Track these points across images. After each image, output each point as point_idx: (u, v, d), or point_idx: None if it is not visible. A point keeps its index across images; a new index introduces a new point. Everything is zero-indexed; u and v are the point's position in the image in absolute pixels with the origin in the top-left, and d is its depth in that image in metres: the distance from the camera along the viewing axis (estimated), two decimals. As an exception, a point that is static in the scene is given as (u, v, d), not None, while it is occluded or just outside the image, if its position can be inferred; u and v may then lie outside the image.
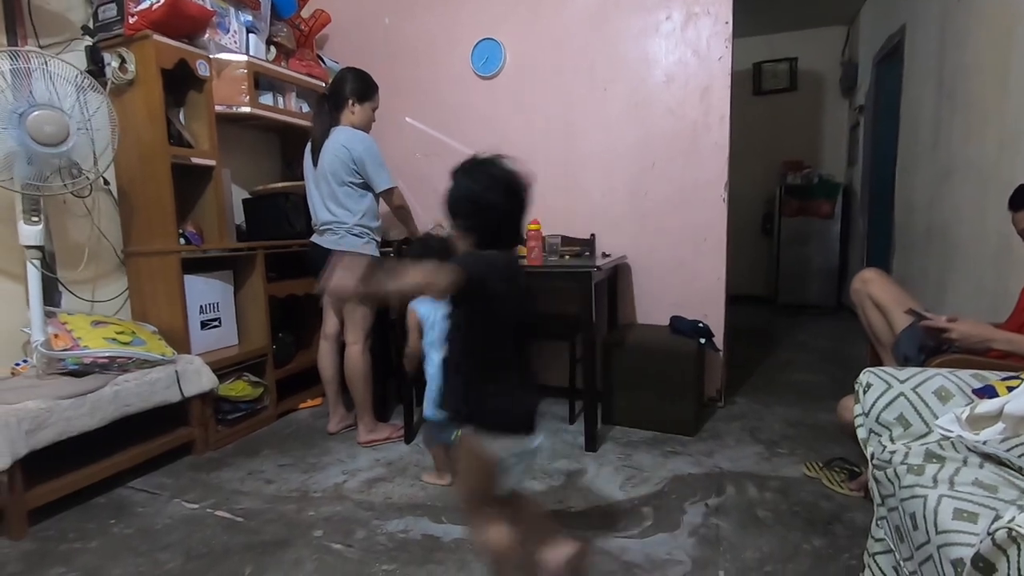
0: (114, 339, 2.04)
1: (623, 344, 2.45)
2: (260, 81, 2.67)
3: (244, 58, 2.52)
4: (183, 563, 1.57)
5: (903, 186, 3.64)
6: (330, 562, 1.55)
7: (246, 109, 2.54)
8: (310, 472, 2.13)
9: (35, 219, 1.95)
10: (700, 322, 2.54)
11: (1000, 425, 1.09)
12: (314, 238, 2.36)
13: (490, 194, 1.07)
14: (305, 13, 3.05)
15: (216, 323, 2.52)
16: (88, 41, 2.33)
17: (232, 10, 2.55)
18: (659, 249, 2.74)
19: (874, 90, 4.34)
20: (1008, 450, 1.06)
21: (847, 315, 4.57)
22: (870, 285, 1.94)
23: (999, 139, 2.30)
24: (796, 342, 4.02)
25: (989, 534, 0.74)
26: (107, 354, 1.99)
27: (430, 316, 1.85)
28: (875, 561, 1.23)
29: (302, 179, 2.42)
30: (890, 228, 3.85)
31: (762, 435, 2.36)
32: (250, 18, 2.64)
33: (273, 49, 2.83)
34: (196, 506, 1.89)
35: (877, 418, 1.27)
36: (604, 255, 2.70)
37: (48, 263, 2.14)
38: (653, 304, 2.78)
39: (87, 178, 2.07)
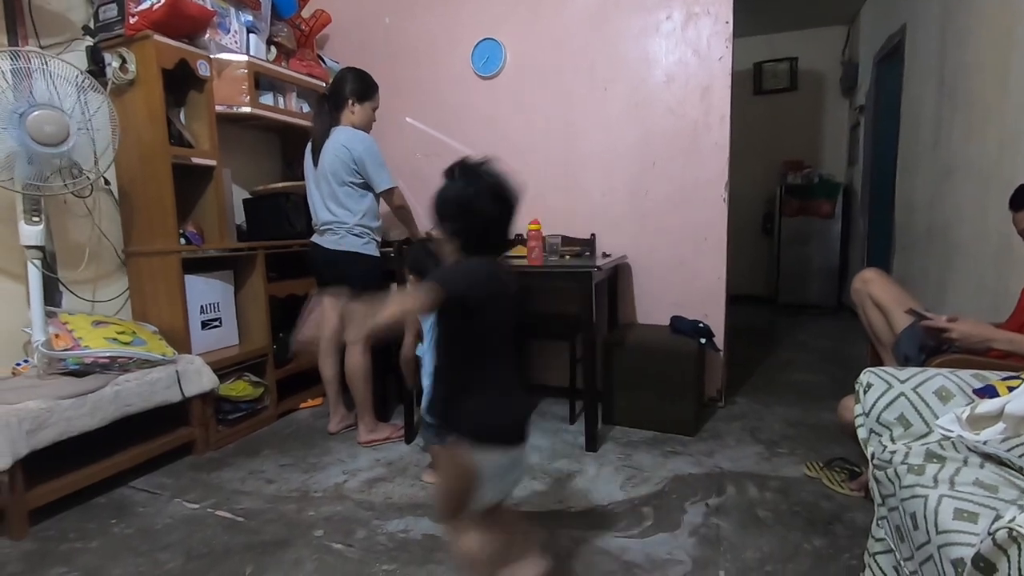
0: (115, 339, 2.04)
1: (623, 344, 2.45)
2: (260, 81, 2.67)
3: (244, 58, 2.52)
4: (184, 563, 1.57)
5: (903, 186, 3.64)
6: (330, 562, 1.55)
7: (246, 109, 2.54)
8: (310, 472, 2.13)
9: (36, 219, 1.95)
10: (700, 322, 2.55)
11: (1001, 425, 1.09)
12: (314, 238, 2.36)
13: (477, 199, 1.05)
14: (305, 13, 3.05)
15: (217, 323, 2.52)
16: (89, 41, 2.34)
17: (232, 10, 2.55)
18: (659, 249, 2.74)
19: (874, 90, 4.34)
20: (1009, 450, 1.06)
21: (847, 315, 4.57)
22: (870, 285, 1.94)
23: (1000, 139, 2.30)
24: (796, 342, 4.02)
25: (990, 534, 0.74)
26: (108, 354, 1.99)
27: (429, 318, 1.85)
28: (875, 561, 1.23)
29: (302, 179, 2.42)
30: (890, 228, 3.85)
31: (762, 435, 2.36)
32: (251, 18, 2.65)
33: (273, 49, 2.83)
34: (197, 506, 1.89)
35: (878, 418, 1.27)
36: (604, 255, 2.70)
37: (49, 263, 2.14)
38: (653, 304, 2.78)
39: (88, 178, 2.08)
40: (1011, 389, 1.15)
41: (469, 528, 1.13)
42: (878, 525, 1.23)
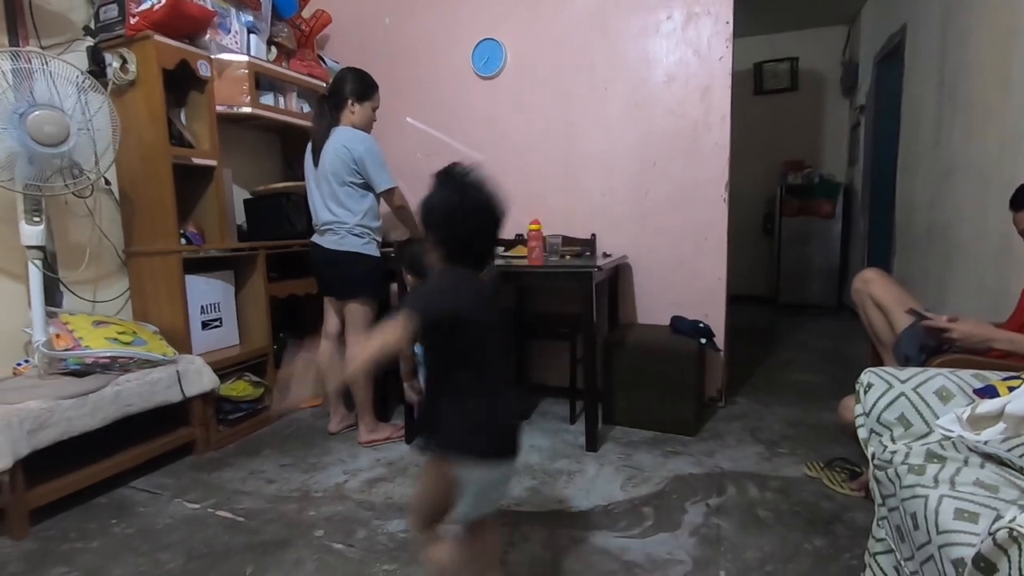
0: (115, 339, 2.04)
1: (624, 344, 2.45)
2: (261, 81, 2.67)
3: (245, 58, 2.52)
4: (184, 563, 1.57)
5: (904, 186, 3.64)
6: (331, 562, 1.56)
7: (247, 109, 2.54)
8: (311, 472, 2.13)
9: (36, 219, 1.95)
10: (701, 322, 2.55)
11: (1001, 425, 1.09)
12: (315, 238, 2.36)
13: (461, 210, 1.03)
14: (306, 13, 3.05)
15: (217, 323, 2.52)
16: (89, 41, 2.34)
17: (233, 10, 2.55)
18: (660, 249, 2.74)
19: (875, 90, 4.34)
20: (1009, 450, 1.06)
21: (848, 315, 4.57)
22: (871, 285, 1.94)
23: (1000, 139, 2.30)
24: (797, 342, 4.01)
25: (990, 534, 0.74)
26: (108, 354, 1.99)
27: None
28: (876, 561, 1.23)
29: (303, 179, 2.42)
30: (891, 228, 3.85)
31: (763, 435, 2.36)
32: (251, 18, 2.65)
33: (274, 49, 2.83)
34: (197, 506, 1.89)
35: (878, 418, 1.27)
36: (605, 255, 2.70)
37: (49, 263, 2.14)
38: (654, 304, 2.78)
39: (88, 178, 2.08)
40: (1011, 389, 1.15)
41: (443, 539, 1.11)
42: (879, 525, 1.23)
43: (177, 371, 2.15)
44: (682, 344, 2.42)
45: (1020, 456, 1.04)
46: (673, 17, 2.60)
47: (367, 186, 2.28)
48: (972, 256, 2.56)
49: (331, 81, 2.41)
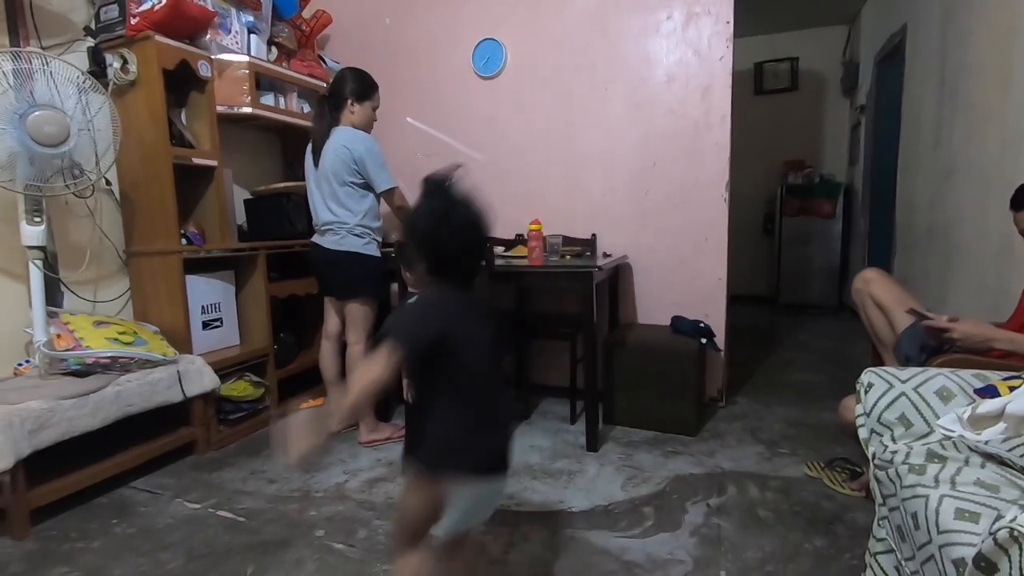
0: (116, 339, 2.05)
1: (624, 344, 2.45)
2: (261, 81, 2.67)
3: (245, 59, 2.52)
4: (185, 563, 1.57)
5: (904, 186, 3.64)
6: (331, 562, 1.56)
7: (247, 109, 2.54)
8: (312, 472, 2.13)
9: (37, 219, 1.95)
10: (701, 322, 2.55)
11: (1002, 425, 1.09)
12: (315, 238, 2.36)
13: (446, 227, 1.01)
14: (306, 14, 3.06)
15: (218, 323, 2.52)
16: (90, 42, 2.34)
17: (233, 11, 2.55)
18: (660, 249, 2.74)
19: (875, 90, 4.34)
20: (1010, 450, 1.06)
21: (848, 315, 4.56)
22: (871, 285, 1.94)
23: (1001, 138, 2.30)
24: (797, 342, 4.01)
25: (991, 534, 0.74)
26: (109, 354, 1.99)
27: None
28: (877, 561, 1.23)
29: (303, 179, 2.42)
30: (891, 228, 3.85)
31: (763, 435, 2.36)
32: (251, 19, 2.65)
33: (274, 50, 2.83)
34: (198, 506, 1.89)
35: (879, 418, 1.27)
36: (605, 255, 2.70)
37: (50, 263, 2.14)
38: (654, 304, 2.79)
39: (89, 179, 2.08)
40: (1012, 389, 1.15)
41: (419, 554, 1.09)
42: (879, 525, 1.23)
43: (178, 371, 2.15)
44: (682, 344, 2.42)
45: (1021, 456, 1.04)
46: (673, 17, 2.60)
47: (367, 186, 2.28)
48: (973, 256, 2.56)
49: (331, 81, 2.41)
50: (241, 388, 2.49)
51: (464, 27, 2.95)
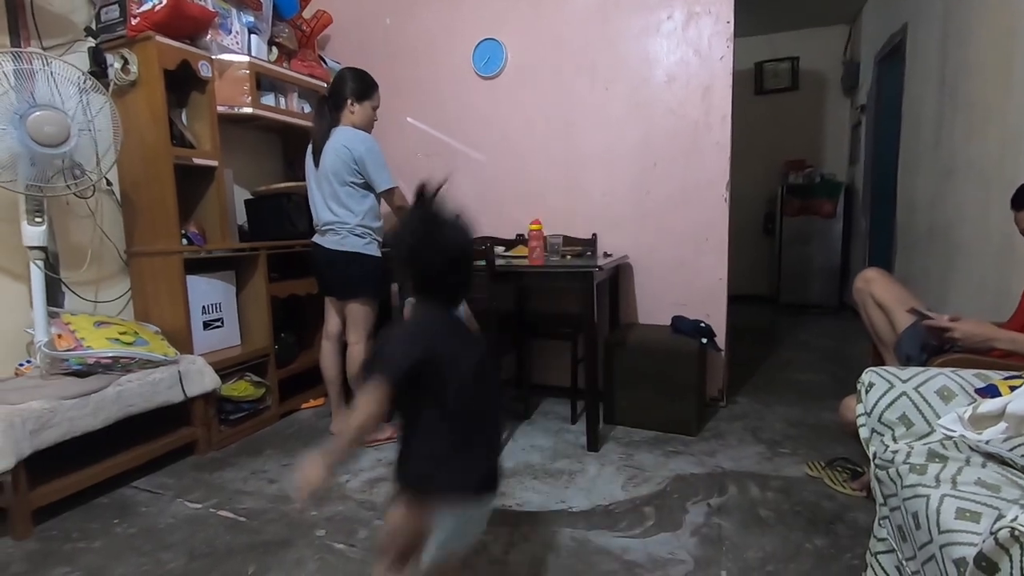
0: (117, 339, 2.05)
1: (625, 344, 2.45)
2: (262, 82, 2.67)
3: (246, 59, 2.53)
4: (186, 563, 1.57)
5: (905, 185, 3.64)
6: (332, 562, 1.56)
7: (248, 110, 2.55)
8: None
9: (38, 220, 1.95)
10: (702, 322, 2.55)
11: (1003, 424, 1.09)
12: (316, 238, 2.36)
13: (430, 247, 1.00)
14: (307, 14, 3.06)
15: (218, 323, 2.52)
16: (91, 42, 2.34)
17: (234, 11, 2.56)
18: (661, 249, 2.74)
19: (876, 89, 4.34)
20: (1011, 449, 1.06)
21: (849, 315, 4.56)
22: (872, 284, 1.94)
23: (1001, 138, 2.30)
24: (798, 342, 4.01)
25: (992, 533, 0.74)
26: (110, 354, 2.00)
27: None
28: (877, 561, 1.23)
29: (303, 179, 2.42)
30: (892, 227, 3.85)
31: (764, 435, 2.36)
32: (252, 19, 2.65)
33: (275, 50, 2.83)
34: (199, 506, 1.89)
35: (879, 417, 1.27)
36: (606, 255, 2.70)
37: (51, 264, 2.14)
38: (655, 304, 2.79)
39: (90, 179, 2.08)
40: (1013, 388, 1.15)
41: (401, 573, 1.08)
42: (880, 525, 1.23)
43: (179, 371, 2.15)
44: (683, 344, 2.42)
45: (1022, 456, 1.04)
46: (674, 17, 2.60)
47: (368, 186, 2.28)
48: (973, 256, 2.56)
49: (331, 81, 2.42)
50: (242, 388, 2.50)
51: (464, 27, 2.95)
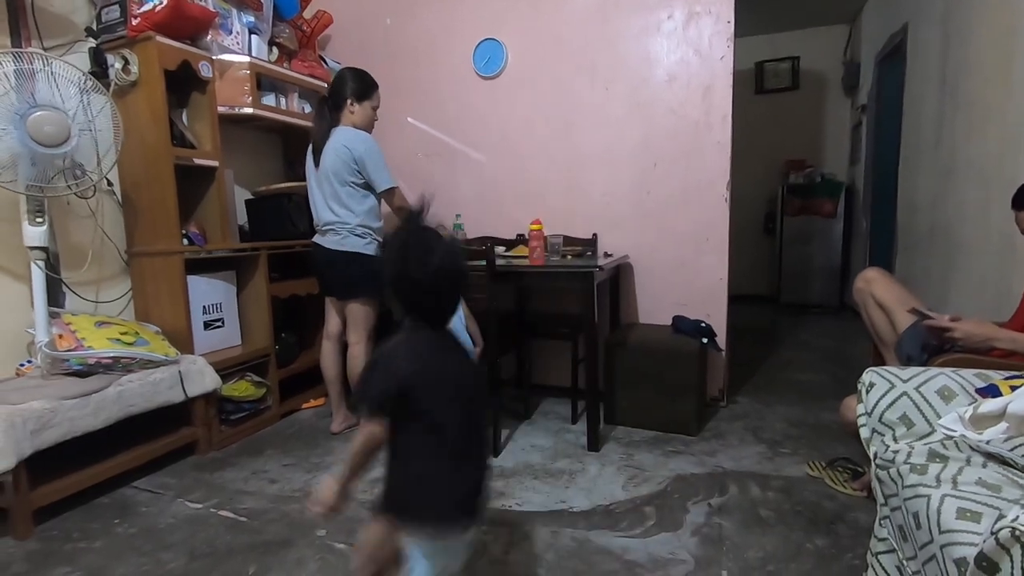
0: (118, 339, 2.05)
1: (625, 344, 2.45)
2: (262, 82, 2.67)
3: (246, 59, 2.53)
4: (187, 563, 1.57)
5: (906, 185, 3.64)
6: (333, 562, 1.56)
7: (248, 110, 2.55)
8: (313, 472, 2.13)
9: (39, 220, 1.96)
10: (702, 322, 2.54)
11: (1003, 424, 1.09)
12: (316, 238, 2.37)
13: (412, 271, 0.98)
14: (307, 14, 3.06)
15: (219, 323, 2.52)
16: (91, 43, 2.34)
17: (234, 11, 2.56)
18: (661, 249, 2.74)
19: (876, 89, 4.34)
20: (1012, 449, 1.06)
21: (850, 314, 4.56)
22: (873, 284, 1.94)
23: (1002, 138, 2.30)
24: (798, 341, 4.01)
25: (992, 533, 0.74)
26: (111, 354, 2.00)
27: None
28: (878, 561, 1.23)
29: (304, 179, 2.42)
30: (893, 227, 3.84)
31: (765, 435, 2.36)
32: (252, 19, 2.65)
33: (275, 50, 2.83)
34: (200, 506, 1.89)
35: (880, 417, 1.27)
36: (606, 255, 2.70)
37: (52, 264, 2.14)
38: (655, 304, 2.78)
39: (90, 179, 2.08)
40: (1014, 388, 1.15)
41: None
42: (881, 525, 1.23)
43: (179, 371, 2.15)
44: (684, 344, 2.42)
45: (1022, 456, 1.04)
46: (674, 16, 2.60)
47: (368, 186, 2.28)
48: (974, 255, 2.55)
49: (331, 81, 2.42)
50: (242, 388, 2.50)
51: (464, 27, 2.95)
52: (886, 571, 1.20)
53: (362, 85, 2.31)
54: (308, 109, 2.92)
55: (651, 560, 1.52)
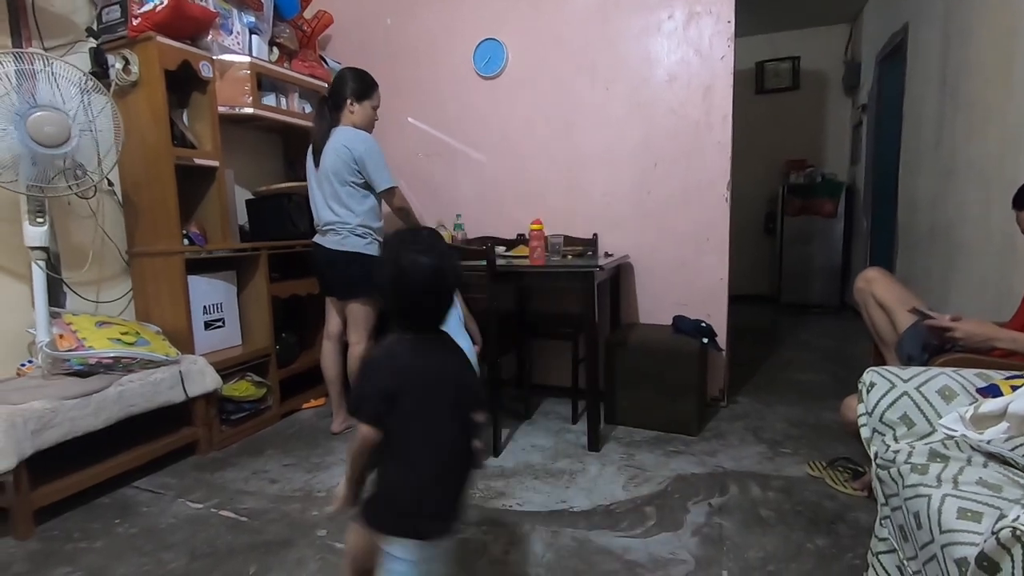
0: (118, 339, 2.05)
1: (626, 344, 2.45)
2: (263, 82, 2.67)
3: (247, 59, 2.53)
4: (187, 563, 1.57)
5: (906, 185, 3.64)
6: (333, 561, 1.56)
7: (249, 110, 2.55)
8: (314, 472, 2.14)
9: (40, 220, 1.96)
10: (703, 321, 2.54)
11: (1004, 424, 1.09)
12: (316, 238, 2.37)
13: (398, 281, 1.00)
14: (308, 14, 3.06)
15: (220, 323, 2.52)
16: (92, 43, 2.34)
17: (235, 11, 2.56)
18: (662, 249, 2.74)
19: (877, 89, 4.33)
20: (1012, 449, 1.05)
21: (850, 314, 4.56)
22: (873, 284, 1.94)
23: (1002, 138, 2.30)
24: (799, 341, 4.01)
25: (993, 533, 0.74)
26: (112, 354, 2.00)
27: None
28: (879, 561, 1.23)
29: (304, 179, 2.42)
30: (893, 227, 3.84)
31: (765, 434, 2.36)
32: (253, 19, 2.65)
33: (276, 50, 2.83)
34: (200, 506, 1.90)
35: (881, 417, 1.27)
36: (607, 255, 2.70)
37: (53, 264, 2.14)
38: (656, 304, 2.78)
39: (91, 179, 2.08)
40: (1015, 388, 1.15)
41: None
42: (881, 525, 1.23)
43: (180, 371, 2.15)
44: (684, 344, 2.42)
45: (1023, 455, 1.04)
46: (674, 16, 2.60)
47: (368, 186, 2.28)
48: (975, 255, 2.55)
49: (331, 81, 2.42)
50: (243, 388, 2.50)
51: (465, 27, 2.95)
52: (887, 571, 1.20)
53: (362, 85, 2.30)
54: (308, 109, 2.92)
55: (651, 560, 1.52)
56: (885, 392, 1.28)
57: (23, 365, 2.09)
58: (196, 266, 2.39)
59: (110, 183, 2.38)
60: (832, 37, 5.26)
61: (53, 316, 2.02)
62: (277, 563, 1.56)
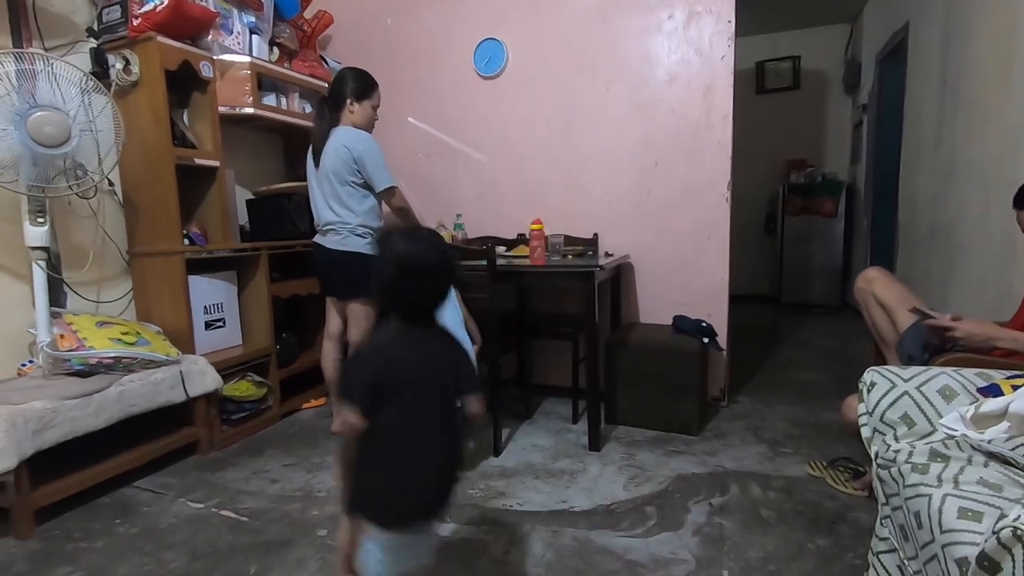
0: (119, 339, 2.05)
1: (626, 343, 2.45)
2: (263, 82, 2.67)
3: (247, 59, 2.53)
4: (188, 562, 1.57)
5: (907, 184, 3.63)
6: (334, 561, 1.56)
7: (249, 110, 2.55)
8: (314, 472, 2.14)
9: (40, 220, 1.96)
10: (703, 321, 2.54)
11: (1005, 424, 1.09)
12: (317, 238, 2.36)
13: (388, 275, 1.01)
14: (308, 14, 3.06)
15: (220, 323, 2.53)
16: (92, 43, 2.34)
17: (235, 11, 2.56)
18: (662, 249, 2.73)
19: (877, 88, 4.33)
20: (1013, 449, 1.05)
21: (851, 314, 4.56)
22: (874, 284, 1.94)
23: (1002, 138, 2.30)
24: (799, 341, 4.01)
25: (994, 533, 0.74)
26: (112, 354, 2.00)
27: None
28: (879, 560, 1.23)
29: (305, 179, 2.42)
30: (894, 226, 3.84)
31: (766, 434, 2.36)
32: (253, 19, 2.65)
33: (276, 50, 2.83)
34: (201, 506, 1.90)
35: (881, 417, 1.27)
36: (607, 255, 2.70)
37: (53, 264, 2.15)
38: (656, 303, 2.78)
39: (92, 179, 2.08)
40: (1015, 388, 1.15)
41: None
42: (882, 524, 1.23)
43: (180, 371, 2.15)
44: (685, 343, 2.42)
45: (1023, 455, 1.04)
46: (675, 16, 2.60)
47: (368, 186, 2.28)
48: (975, 255, 2.55)
49: (331, 81, 2.42)
50: (243, 388, 2.50)
51: (465, 27, 2.95)
52: (887, 571, 1.20)
53: (362, 85, 2.30)
54: (309, 109, 2.92)
55: (652, 560, 1.52)
56: (886, 392, 1.28)
57: (24, 365, 2.09)
58: (196, 266, 2.39)
59: (110, 183, 2.39)
60: (832, 37, 5.26)
61: (54, 316, 2.03)
62: (278, 563, 1.56)
